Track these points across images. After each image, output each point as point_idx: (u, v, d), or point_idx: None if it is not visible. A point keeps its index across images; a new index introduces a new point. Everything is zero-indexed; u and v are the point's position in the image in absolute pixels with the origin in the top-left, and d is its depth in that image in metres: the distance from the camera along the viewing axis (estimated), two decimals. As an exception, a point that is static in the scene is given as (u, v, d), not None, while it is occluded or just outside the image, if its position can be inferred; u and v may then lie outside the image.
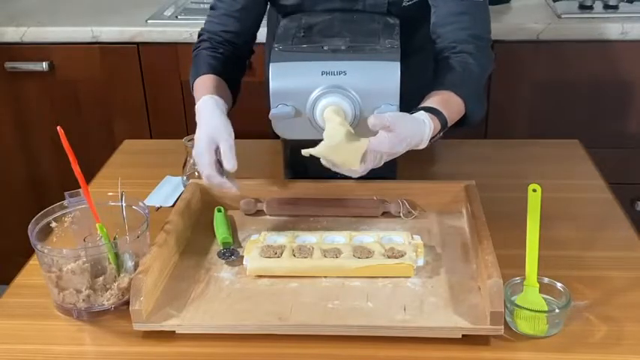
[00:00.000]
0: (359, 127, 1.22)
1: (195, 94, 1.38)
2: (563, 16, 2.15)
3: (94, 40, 2.20)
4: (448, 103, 1.23)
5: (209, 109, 1.29)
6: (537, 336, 1.05)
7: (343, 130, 1.13)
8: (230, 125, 1.27)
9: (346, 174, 1.16)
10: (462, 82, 1.28)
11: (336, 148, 1.12)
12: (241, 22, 1.46)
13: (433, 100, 1.23)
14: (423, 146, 1.17)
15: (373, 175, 1.34)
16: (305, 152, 1.14)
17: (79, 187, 1.15)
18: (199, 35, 1.49)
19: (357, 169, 1.13)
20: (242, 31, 1.47)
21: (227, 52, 1.45)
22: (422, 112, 1.17)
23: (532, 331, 1.04)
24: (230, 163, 1.23)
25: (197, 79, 1.39)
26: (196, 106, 1.32)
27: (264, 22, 1.68)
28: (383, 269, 1.15)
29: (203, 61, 1.42)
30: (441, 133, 1.21)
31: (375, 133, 1.14)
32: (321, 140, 1.18)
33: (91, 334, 1.09)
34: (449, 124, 1.21)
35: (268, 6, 1.61)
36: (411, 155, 1.25)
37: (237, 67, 1.48)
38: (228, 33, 1.46)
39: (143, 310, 1.06)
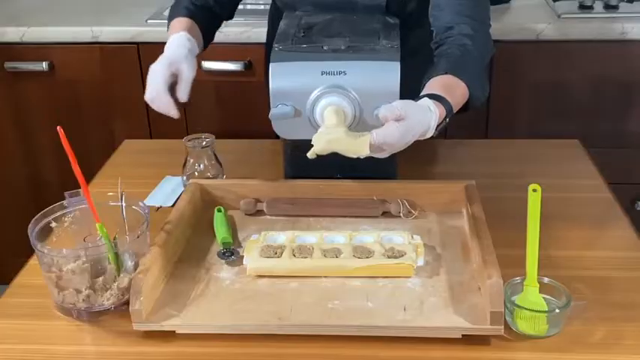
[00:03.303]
0: (358, 127, 1.22)
1: (169, 32, 1.43)
2: (563, 16, 2.15)
3: (94, 40, 2.20)
4: (450, 87, 1.21)
5: (180, 42, 1.35)
6: (537, 336, 1.05)
7: (341, 129, 1.13)
8: (195, 63, 1.34)
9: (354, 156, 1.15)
10: (462, 65, 1.26)
11: (338, 141, 1.11)
12: None
13: (435, 86, 1.21)
14: (429, 134, 1.15)
15: (373, 175, 1.34)
16: (310, 154, 1.14)
17: (79, 187, 1.15)
18: None
19: (366, 153, 1.12)
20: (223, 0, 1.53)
21: (205, 10, 1.50)
22: (426, 98, 1.16)
23: (532, 331, 1.04)
24: (185, 95, 1.31)
25: (174, 20, 1.45)
26: (168, 40, 1.37)
27: (265, 21, 1.68)
28: (383, 269, 1.15)
29: (182, 5, 1.48)
30: (447, 120, 1.18)
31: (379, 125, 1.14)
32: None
33: (91, 334, 1.09)
34: (454, 110, 1.19)
35: (270, 6, 1.62)
36: (411, 155, 1.25)
37: (213, 20, 1.54)
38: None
39: (143, 310, 1.06)
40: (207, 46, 1.52)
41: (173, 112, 1.30)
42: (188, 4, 1.48)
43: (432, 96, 1.17)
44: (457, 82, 1.23)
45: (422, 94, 1.19)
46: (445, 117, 1.17)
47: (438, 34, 1.34)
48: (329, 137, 1.13)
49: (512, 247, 1.12)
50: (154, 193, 1.46)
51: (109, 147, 1.80)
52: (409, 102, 1.13)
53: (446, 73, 1.23)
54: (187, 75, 1.32)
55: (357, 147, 1.12)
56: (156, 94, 1.30)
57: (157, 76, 1.31)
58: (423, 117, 1.13)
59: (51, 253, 1.12)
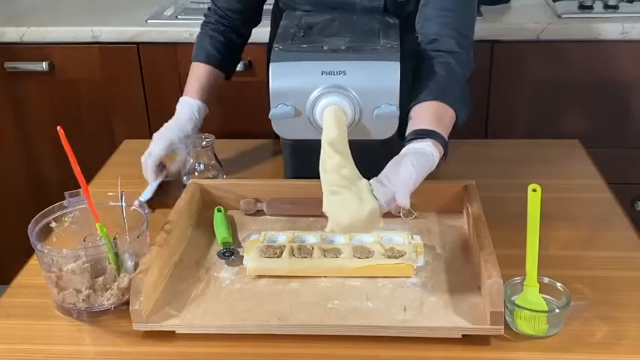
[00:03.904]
0: (358, 126, 1.22)
1: (187, 78, 1.53)
2: (563, 16, 2.15)
3: (94, 40, 2.20)
4: (441, 116, 1.23)
5: (187, 116, 1.49)
6: (537, 336, 1.05)
7: (353, 204, 1.09)
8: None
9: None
10: (448, 87, 1.28)
11: (351, 226, 1.10)
12: (245, 1, 1.57)
13: (427, 117, 1.21)
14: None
15: (373, 175, 1.34)
16: (328, 230, 1.13)
17: (79, 187, 1.15)
18: (208, 8, 1.60)
19: (381, 225, 1.12)
20: (246, 10, 1.58)
21: (228, 30, 1.57)
22: (429, 143, 1.16)
23: (532, 331, 1.04)
24: (174, 172, 1.48)
25: (193, 63, 1.55)
26: (180, 100, 1.51)
27: (266, 21, 1.68)
28: (383, 269, 1.15)
29: (202, 45, 1.56)
30: (445, 158, 1.20)
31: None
32: (320, 140, 1.18)
33: (91, 334, 1.09)
34: (447, 142, 1.21)
35: (272, 6, 1.62)
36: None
37: (237, 46, 1.62)
38: (233, 12, 1.56)
39: (143, 310, 1.06)
40: (233, 70, 1.63)
41: (150, 184, 1.45)
42: (209, 40, 1.56)
43: (429, 134, 1.18)
44: (445, 108, 1.24)
45: (417, 127, 1.19)
46: (443, 154, 1.19)
47: (423, 42, 1.35)
48: (346, 224, 1.10)
49: (512, 247, 1.12)
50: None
51: (109, 147, 1.80)
52: (415, 159, 1.13)
53: (434, 98, 1.24)
54: (180, 157, 1.46)
55: (372, 226, 1.11)
56: (143, 168, 1.44)
57: (159, 151, 1.44)
58: (426, 166, 1.14)
59: (51, 253, 1.12)
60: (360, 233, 1.24)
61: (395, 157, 1.16)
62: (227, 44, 1.57)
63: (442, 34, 1.33)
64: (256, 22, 1.63)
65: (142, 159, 1.44)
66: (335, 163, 1.12)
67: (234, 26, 1.58)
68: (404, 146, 1.18)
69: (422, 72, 1.31)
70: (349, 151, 1.14)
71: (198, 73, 1.53)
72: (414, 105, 1.25)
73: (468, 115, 1.30)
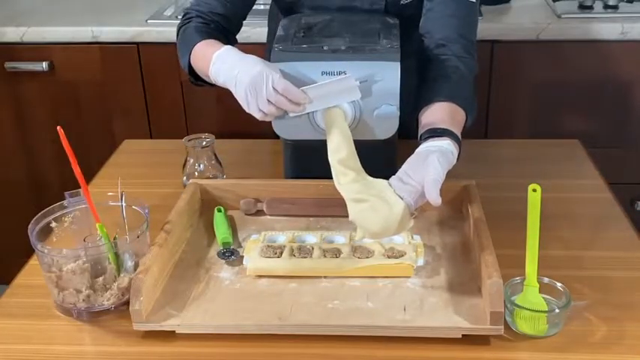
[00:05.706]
0: (358, 126, 1.22)
1: (198, 61, 1.33)
2: (563, 16, 2.15)
3: (94, 40, 2.20)
4: (454, 117, 1.24)
5: (240, 53, 1.24)
6: (537, 336, 1.05)
7: (382, 208, 1.10)
8: None
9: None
10: (459, 90, 1.29)
11: (383, 232, 1.11)
12: (229, 7, 1.43)
13: (442, 117, 1.22)
14: None
15: (374, 175, 1.34)
16: (358, 239, 1.15)
17: (79, 187, 1.15)
18: (185, 14, 1.44)
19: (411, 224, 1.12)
20: (230, 16, 1.44)
21: (217, 29, 1.41)
22: (449, 142, 1.16)
23: (532, 331, 1.04)
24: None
25: (195, 47, 1.34)
26: (216, 54, 1.26)
27: (265, 21, 1.68)
28: (383, 269, 1.15)
29: (197, 31, 1.37)
30: (458, 158, 1.20)
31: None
32: (321, 140, 1.18)
33: (91, 334, 1.09)
34: (461, 141, 1.21)
35: (269, 6, 1.62)
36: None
37: (228, 39, 1.43)
38: (217, 15, 1.42)
39: (143, 310, 1.06)
40: None
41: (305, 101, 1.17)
42: (203, 27, 1.38)
43: (447, 133, 1.18)
44: (458, 110, 1.25)
45: (433, 126, 1.19)
46: (459, 153, 1.20)
47: (429, 47, 1.36)
48: (379, 231, 1.11)
49: (512, 247, 1.12)
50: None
51: (109, 147, 1.80)
52: (441, 157, 1.13)
53: (446, 100, 1.25)
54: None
55: (404, 228, 1.11)
56: (288, 86, 1.16)
57: (276, 74, 1.16)
58: (449, 164, 1.15)
59: (51, 253, 1.12)
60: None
61: (415, 154, 1.16)
62: (220, 36, 1.39)
63: (449, 39, 1.34)
64: (238, 29, 1.50)
65: (279, 88, 1.16)
66: (350, 178, 1.13)
67: (220, 28, 1.43)
68: (420, 144, 1.18)
69: (431, 74, 1.32)
70: (359, 163, 1.15)
71: (210, 44, 1.32)
72: (426, 105, 1.26)
73: (474, 118, 1.30)
